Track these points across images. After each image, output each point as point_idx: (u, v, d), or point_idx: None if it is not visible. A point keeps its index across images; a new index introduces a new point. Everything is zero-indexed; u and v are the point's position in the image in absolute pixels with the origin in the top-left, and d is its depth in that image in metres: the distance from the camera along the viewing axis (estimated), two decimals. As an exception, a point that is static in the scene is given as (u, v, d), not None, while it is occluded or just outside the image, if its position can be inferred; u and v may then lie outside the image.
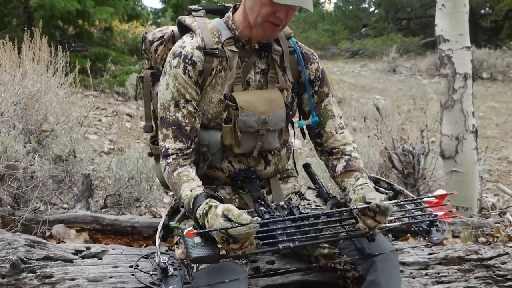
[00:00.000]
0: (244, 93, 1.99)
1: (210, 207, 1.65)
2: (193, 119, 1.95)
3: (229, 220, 1.56)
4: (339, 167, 2.09)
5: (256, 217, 1.59)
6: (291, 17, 1.91)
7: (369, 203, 1.73)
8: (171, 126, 1.93)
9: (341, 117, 2.20)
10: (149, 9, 18.26)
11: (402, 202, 1.99)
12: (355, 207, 1.77)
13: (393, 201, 1.88)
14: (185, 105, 1.94)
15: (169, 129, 1.93)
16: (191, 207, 1.75)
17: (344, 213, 1.86)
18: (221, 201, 1.77)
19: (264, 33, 1.93)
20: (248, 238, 1.56)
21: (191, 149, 1.95)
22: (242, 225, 1.53)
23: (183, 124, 1.93)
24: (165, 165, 1.93)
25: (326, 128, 2.14)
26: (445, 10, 3.40)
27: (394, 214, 1.99)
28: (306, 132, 2.23)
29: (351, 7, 26.29)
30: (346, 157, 2.10)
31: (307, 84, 2.12)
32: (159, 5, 18.62)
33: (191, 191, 1.79)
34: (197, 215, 1.69)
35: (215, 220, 1.60)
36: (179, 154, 1.92)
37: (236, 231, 1.53)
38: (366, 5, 26.70)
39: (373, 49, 19.63)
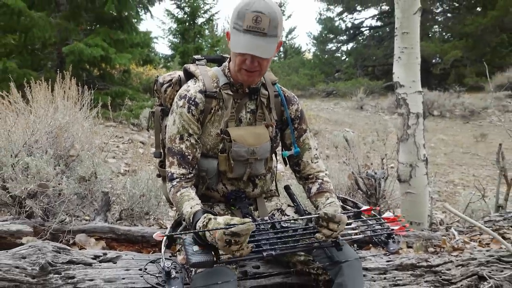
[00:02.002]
0: (237, 129, 2.01)
1: (210, 219, 1.66)
2: (195, 150, 1.96)
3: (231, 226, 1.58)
4: (313, 189, 2.11)
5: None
6: (263, 66, 1.89)
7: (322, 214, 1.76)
8: (176, 155, 1.95)
9: (316, 149, 2.22)
10: (160, 55, 18.40)
11: (365, 219, 2.03)
12: (305, 216, 1.85)
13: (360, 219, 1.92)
14: (188, 138, 1.96)
15: (175, 157, 1.95)
16: (191, 221, 1.75)
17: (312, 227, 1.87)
18: (216, 215, 1.77)
19: (242, 78, 1.95)
20: (247, 236, 1.58)
21: (192, 174, 1.96)
22: (243, 223, 1.57)
23: (186, 153, 1.95)
24: (170, 187, 1.93)
25: (304, 158, 2.16)
26: (400, 61, 3.45)
27: (358, 227, 2.02)
28: (287, 161, 2.23)
29: (326, 55, 26.58)
30: (319, 181, 2.12)
31: (289, 121, 2.14)
32: (169, 52, 18.76)
33: (191, 208, 1.79)
34: (197, 227, 1.69)
35: (217, 227, 1.60)
36: (182, 178, 1.93)
37: (239, 228, 1.55)
38: (339, 54, 27.02)
39: (344, 90, 19.82)
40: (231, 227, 1.56)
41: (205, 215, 1.70)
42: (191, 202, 1.83)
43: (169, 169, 1.96)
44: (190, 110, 1.96)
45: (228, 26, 1.99)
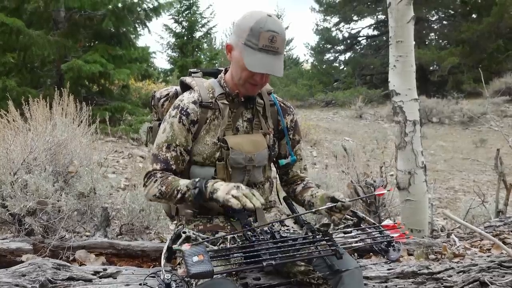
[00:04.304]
0: (234, 137, 2.03)
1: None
2: (179, 162, 1.98)
3: None
4: (298, 188, 2.20)
5: None
6: (267, 79, 1.98)
7: (337, 201, 1.87)
8: (161, 162, 1.96)
9: (305, 159, 2.32)
10: (160, 69, 18.48)
11: (365, 227, 2.03)
12: (325, 206, 1.88)
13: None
14: (175, 149, 1.97)
15: (159, 164, 1.96)
16: (196, 180, 1.84)
17: (317, 236, 1.87)
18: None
19: (246, 91, 2.00)
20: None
21: None
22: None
23: (171, 163, 1.96)
24: (156, 179, 1.93)
25: (294, 168, 2.24)
26: (396, 69, 3.46)
27: (358, 236, 2.02)
28: (278, 168, 2.30)
29: (324, 65, 26.63)
30: (304, 182, 2.22)
31: (285, 130, 2.17)
32: (168, 66, 18.87)
33: (190, 180, 1.86)
34: (208, 185, 1.80)
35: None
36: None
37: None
38: (337, 64, 27.05)
39: (343, 100, 19.80)
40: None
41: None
42: (188, 181, 1.87)
43: (151, 170, 1.96)
44: (181, 120, 1.98)
45: (228, 38, 2.02)
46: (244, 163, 2.00)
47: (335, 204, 1.86)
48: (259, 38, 1.83)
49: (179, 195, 1.88)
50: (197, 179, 1.85)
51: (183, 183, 1.86)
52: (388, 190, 2.14)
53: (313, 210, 1.92)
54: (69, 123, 3.12)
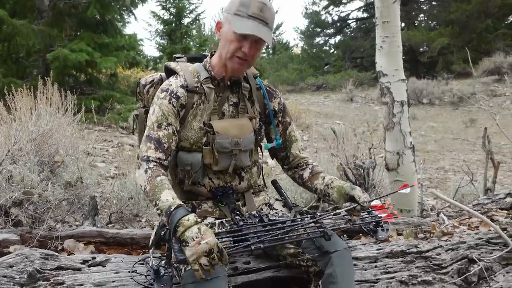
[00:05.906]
0: (220, 121, 2.03)
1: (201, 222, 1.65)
2: (170, 140, 1.95)
3: None
4: (306, 174, 2.17)
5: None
6: (256, 54, 1.97)
7: (356, 202, 1.92)
8: (154, 140, 1.92)
9: (301, 140, 2.29)
10: (149, 57, 18.28)
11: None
12: (344, 208, 1.94)
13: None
14: (166, 127, 1.95)
15: (152, 142, 1.92)
16: (171, 209, 1.68)
17: (305, 218, 1.89)
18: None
19: (233, 66, 1.97)
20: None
21: (167, 162, 1.93)
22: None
23: (163, 141, 1.92)
24: (147, 168, 1.86)
25: (292, 150, 2.22)
26: (382, 50, 3.44)
27: (346, 217, 2.04)
28: (274, 155, 2.29)
29: (314, 49, 26.57)
30: (310, 166, 2.19)
31: (271, 114, 2.17)
32: (157, 53, 18.66)
33: (172, 198, 1.74)
34: (186, 219, 1.63)
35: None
36: (158, 162, 1.89)
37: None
38: (327, 48, 27.01)
39: (334, 83, 19.81)
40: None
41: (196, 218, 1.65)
42: (172, 193, 1.77)
43: (146, 153, 1.91)
44: (171, 102, 1.97)
45: (221, 16, 2.04)
46: (230, 147, 2.00)
47: (355, 206, 1.92)
48: (249, 6, 1.87)
49: (155, 209, 1.79)
50: (172, 207, 1.69)
51: (163, 199, 1.74)
52: (412, 186, 2.17)
53: (335, 212, 1.95)
54: (54, 113, 3.08)
